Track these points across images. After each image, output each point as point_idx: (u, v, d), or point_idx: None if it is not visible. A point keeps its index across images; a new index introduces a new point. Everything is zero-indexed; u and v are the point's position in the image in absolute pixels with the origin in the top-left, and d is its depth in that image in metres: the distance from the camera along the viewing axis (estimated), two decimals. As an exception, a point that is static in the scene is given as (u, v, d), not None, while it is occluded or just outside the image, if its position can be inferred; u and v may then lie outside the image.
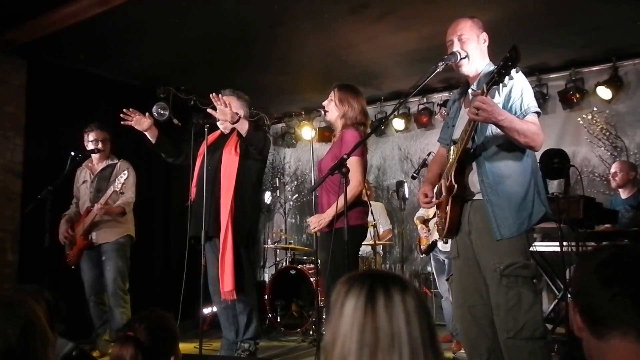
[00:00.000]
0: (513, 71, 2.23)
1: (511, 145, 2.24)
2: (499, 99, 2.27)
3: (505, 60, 2.09)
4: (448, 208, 2.34)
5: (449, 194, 2.32)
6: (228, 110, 3.26)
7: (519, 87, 2.27)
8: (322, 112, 3.28)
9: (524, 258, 2.20)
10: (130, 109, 3.60)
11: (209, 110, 3.33)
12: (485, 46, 2.44)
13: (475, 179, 2.30)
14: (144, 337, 1.56)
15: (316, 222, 3.10)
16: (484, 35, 2.43)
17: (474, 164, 2.31)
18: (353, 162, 3.01)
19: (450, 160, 2.36)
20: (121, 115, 3.60)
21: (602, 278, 1.03)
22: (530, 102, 2.26)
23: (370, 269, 1.00)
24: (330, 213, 3.02)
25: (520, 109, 2.24)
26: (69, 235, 4.14)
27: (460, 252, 2.36)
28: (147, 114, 3.64)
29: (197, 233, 3.41)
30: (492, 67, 2.38)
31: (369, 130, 3.21)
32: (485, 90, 2.14)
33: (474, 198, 2.32)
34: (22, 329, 1.03)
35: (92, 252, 4.14)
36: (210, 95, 3.28)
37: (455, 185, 2.29)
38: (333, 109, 3.17)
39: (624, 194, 4.37)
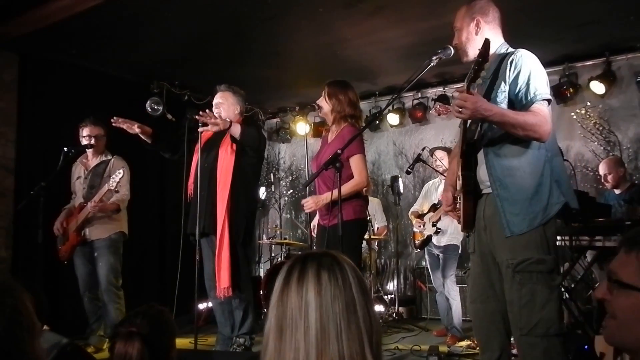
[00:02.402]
0: (521, 53, 2.16)
1: None
2: (504, 88, 2.15)
3: (477, 56, 2.06)
4: (460, 203, 2.27)
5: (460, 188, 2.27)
6: (219, 121, 3.30)
7: (526, 72, 2.11)
8: (317, 108, 3.34)
9: (541, 252, 2.07)
10: (120, 119, 3.58)
11: (200, 129, 3.34)
12: (489, 27, 2.28)
13: (484, 172, 2.20)
14: (146, 332, 1.53)
15: (313, 203, 3.12)
16: (481, 19, 2.27)
17: (482, 156, 2.22)
18: (357, 160, 3.13)
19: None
20: (111, 121, 3.62)
21: None
22: (538, 88, 2.09)
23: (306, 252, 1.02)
24: (327, 196, 3.05)
25: (527, 97, 2.10)
26: (62, 227, 4.13)
27: (476, 247, 2.30)
28: (135, 125, 3.59)
29: (195, 230, 3.41)
30: (506, 47, 2.28)
31: (362, 122, 3.26)
32: (465, 88, 2.06)
33: (487, 192, 2.22)
34: (9, 318, 0.99)
35: (84, 248, 4.13)
36: (195, 117, 3.29)
37: (460, 181, 2.24)
38: (324, 105, 3.30)
39: (617, 190, 4.40)
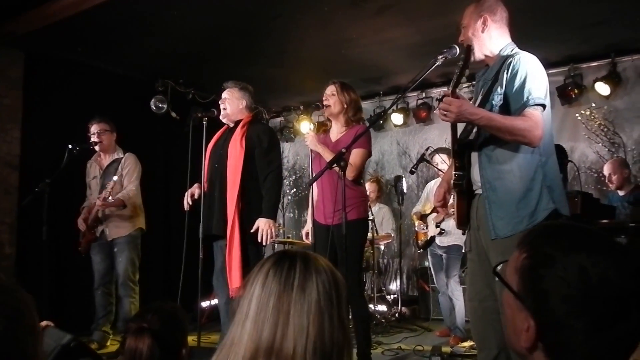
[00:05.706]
0: (520, 55, 2.14)
1: None
2: (500, 90, 2.14)
3: (461, 60, 2.08)
4: (455, 201, 2.29)
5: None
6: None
7: (522, 74, 2.08)
8: (323, 107, 3.34)
9: None
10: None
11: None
12: (496, 26, 2.26)
13: (476, 173, 2.22)
14: (157, 328, 1.53)
15: (313, 138, 3.26)
16: (489, 17, 2.25)
17: (475, 157, 2.23)
18: (356, 152, 3.22)
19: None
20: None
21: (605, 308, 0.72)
22: (532, 93, 2.05)
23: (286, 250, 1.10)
24: (325, 151, 3.18)
25: (520, 101, 2.06)
26: (86, 222, 4.20)
27: (472, 246, 2.30)
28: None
29: (208, 231, 3.41)
30: (512, 47, 2.25)
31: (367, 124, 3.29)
32: (450, 91, 2.06)
33: (479, 192, 2.23)
34: (10, 318, 0.95)
35: (104, 245, 4.21)
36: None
37: (452, 181, 2.26)
38: (337, 103, 3.30)
39: (621, 191, 4.38)
